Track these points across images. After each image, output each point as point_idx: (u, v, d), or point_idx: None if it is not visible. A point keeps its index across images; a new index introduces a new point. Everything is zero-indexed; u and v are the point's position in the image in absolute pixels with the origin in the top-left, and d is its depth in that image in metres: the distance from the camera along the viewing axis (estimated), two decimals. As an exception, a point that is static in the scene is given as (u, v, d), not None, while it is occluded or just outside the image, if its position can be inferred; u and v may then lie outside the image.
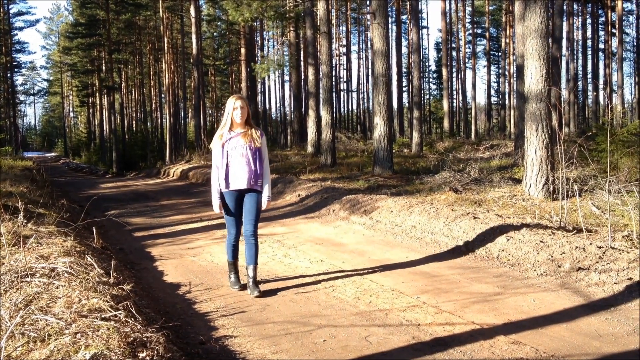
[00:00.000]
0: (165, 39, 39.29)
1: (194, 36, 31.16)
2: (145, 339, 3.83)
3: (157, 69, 50.15)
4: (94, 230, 8.00)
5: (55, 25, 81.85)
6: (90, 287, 4.80)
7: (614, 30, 41.67)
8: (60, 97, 79.53)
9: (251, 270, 5.79)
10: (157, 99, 53.00)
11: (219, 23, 45.70)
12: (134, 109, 59.17)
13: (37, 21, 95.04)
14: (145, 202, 14.81)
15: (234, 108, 5.67)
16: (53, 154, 78.62)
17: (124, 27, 43.98)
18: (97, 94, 52.61)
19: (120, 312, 4.23)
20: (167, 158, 32.82)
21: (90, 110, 64.40)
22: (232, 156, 5.68)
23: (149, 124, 55.33)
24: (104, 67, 45.61)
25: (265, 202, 5.86)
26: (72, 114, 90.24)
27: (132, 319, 4.18)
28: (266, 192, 5.84)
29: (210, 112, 59.21)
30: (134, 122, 57.62)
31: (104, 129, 50.49)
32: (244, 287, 5.92)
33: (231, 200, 5.76)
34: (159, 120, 52.69)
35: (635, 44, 51.93)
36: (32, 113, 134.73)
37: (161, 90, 49.93)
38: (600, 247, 6.38)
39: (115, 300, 4.57)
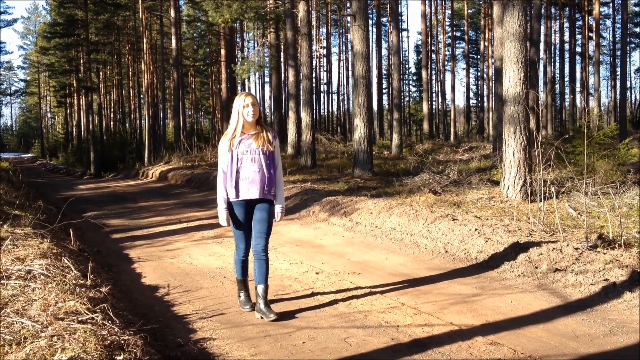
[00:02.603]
0: (145, 40, 39.00)
1: (173, 37, 31.01)
2: (122, 341, 3.80)
3: (136, 70, 49.78)
4: (71, 232, 7.93)
5: (33, 25, 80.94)
6: (66, 290, 4.75)
7: (591, 34, 42.19)
8: (38, 97, 78.69)
9: (262, 290, 5.10)
10: (135, 100, 52.62)
11: (198, 24, 45.56)
12: (112, 109, 58.67)
13: (15, 21, 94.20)
14: (123, 204, 14.70)
15: (244, 105, 5.02)
16: (30, 154, 77.69)
17: (103, 27, 43.59)
18: (75, 95, 52.08)
19: (97, 314, 4.19)
20: (146, 159, 32.58)
21: (68, 111, 63.70)
22: (242, 161, 5.01)
23: (127, 124, 54.88)
24: (82, 68, 45.09)
25: (279, 214, 5.22)
26: (49, 115, 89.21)
27: (110, 322, 4.14)
28: (280, 202, 5.22)
29: (189, 113, 58.89)
30: (112, 123, 57.11)
31: (82, 129, 50.04)
32: (254, 308, 5.20)
33: (241, 211, 5.09)
34: (138, 121, 52.30)
35: (611, 47, 52.56)
36: (8, 113, 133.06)
37: (140, 91, 49.52)
38: (576, 249, 6.45)
39: (92, 303, 4.53)
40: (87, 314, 4.18)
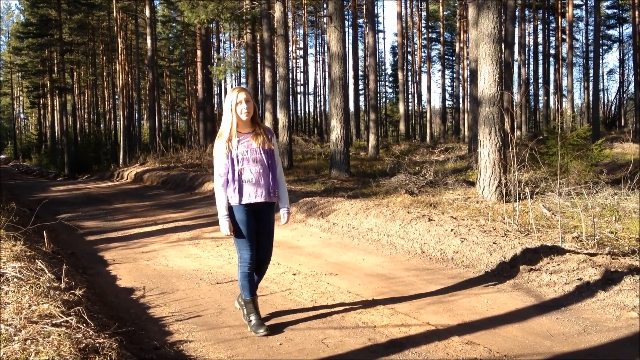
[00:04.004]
0: (119, 40, 38.67)
1: (148, 37, 30.80)
2: (97, 344, 3.76)
3: (110, 70, 49.33)
4: (45, 234, 7.82)
5: (5, 25, 79.62)
6: (40, 293, 4.69)
7: (564, 36, 42.74)
8: (10, 98, 77.46)
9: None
10: (110, 101, 52.15)
11: (174, 24, 45.28)
12: (86, 110, 58.07)
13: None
14: (97, 206, 14.55)
15: (237, 103, 4.52)
16: (2, 156, 76.35)
17: (77, 27, 43.08)
18: (49, 95, 51.45)
19: (71, 317, 4.15)
20: (121, 160, 32.34)
21: (41, 112, 62.92)
22: (243, 163, 4.57)
23: (102, 125, 54.39)
24: (55, 68, 44.57)
25: (285, 215, 4.86)
26: (22, 116, 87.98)
27: (84, 325, 4.10)
28: (285, 203, 4.83)
29: (165, 114, 58.49)
30: (86, 124, 56.53)
31: (56, 130, 49.43)
32: (270, 330, 4.66)
33: (245, 217, 4.61)
34: (113, 122, 51.87)
35: (584, 49, 53.30)
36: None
37: (115, 92, 49.09)
38: (551, 249, 6.52)
39: (66, 306, 4.48)
40: (62, 317, 4.13)
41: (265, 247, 4.80)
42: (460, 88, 46.30)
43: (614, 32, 54.94)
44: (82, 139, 44.85)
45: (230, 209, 4.64)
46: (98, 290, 6.19)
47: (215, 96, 48.61)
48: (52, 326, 3.93)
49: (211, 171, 19.50)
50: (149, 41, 30.77)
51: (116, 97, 48.98)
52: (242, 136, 4.61)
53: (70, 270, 6.41)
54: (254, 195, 4.60)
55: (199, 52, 34.95)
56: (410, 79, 54.38)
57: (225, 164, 4.59)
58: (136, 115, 41.93)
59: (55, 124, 49.39)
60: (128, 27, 43.85)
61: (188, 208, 13.29)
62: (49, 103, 53.18)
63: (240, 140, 4.59)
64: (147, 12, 30.83)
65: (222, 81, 51.34)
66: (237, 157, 4.56)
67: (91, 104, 56.42)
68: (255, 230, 4.71)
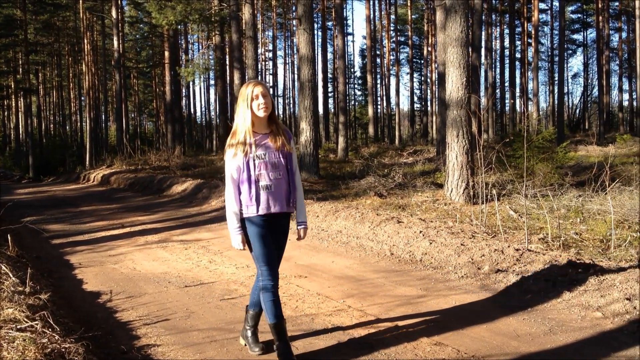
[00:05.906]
0: (86, 41, 38.17)
1: (115, 38, 30.47)
2: (63, 349, 3.71)
3: (76, 71, 48.65)
4: (9, 237, 7.68)
5: (-33, 24, 78.16)
6: (4, 297, 4.61)
7: (530, 40, 43.41)
8: (-27, 99, 75.98)
9: (255, 315, 4.39)
10: (76, 102, 51.40)
11: (141, 25, 44.84)
12: (52, 112, 57.15)
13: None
14: (63, 208, 14.33)
15: (253, 97, 3.94)
16: (-36, 158, 74.96)
17: (42, 27, 42.47)
18: (13, 97, 50.52)
19: (36, 322, 4.08)
20: (87, 163, 31.93)
21: (5, 113, 61.70)
22: (261, 168, 3.98)
23: (68, 127, 53.63)
24: (20, 69, 43.86)
25: (302, 232, 4.35)
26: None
27: (50, 330, 4.04)
28: (302, 217, 4.29)
29: (132, 115, 57.89)
30: (52, 125, 55.65)
31: (20, 132, 48.58)
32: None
33: (263, 229, 4.02)
34: (79, 124, 51.14)
35: (549, 53, 54.27)
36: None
37: (81, 93, 48.41)
38: (517, 250, 6.61)
39: (31, 310, 4.40)
40: (26, 322, 4.06)
41: (279, 257, 4.29)
42: (429, 91, 46.74)
43: (578, 37, 56.21)
44: (47, 141, 44.21)
45: (242, 220, 4.06)
46: (64, 294, 6.09)
47: (184, 98, 48.27)
48: (17, 331, 3.86)
49: (179, 174, 19.36)
50: (115, 42, 30.46)
51: (82, 98, 48.30)
52: (258, 137, 4.03)
53: (35, 274, 6.31)
54: (273, 205, 4.03)
55: (166, 54, 34.65)
56: (379, 81, 54.68)
57: (239, 167, 4.00)
58: (103, 117, 41.49)
59: (20, 126, 48.55)
60: (95, 28, 43.31)
61: (156, 211, 13.16)
62: (13, 104, 52.27)
63: (257, 141, 4.01)
64: (114, 13, 30.50)
65: (191, 83, 51.04)
66: (254, 160, 3.98)
67: (57, 105, 55.54)
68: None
